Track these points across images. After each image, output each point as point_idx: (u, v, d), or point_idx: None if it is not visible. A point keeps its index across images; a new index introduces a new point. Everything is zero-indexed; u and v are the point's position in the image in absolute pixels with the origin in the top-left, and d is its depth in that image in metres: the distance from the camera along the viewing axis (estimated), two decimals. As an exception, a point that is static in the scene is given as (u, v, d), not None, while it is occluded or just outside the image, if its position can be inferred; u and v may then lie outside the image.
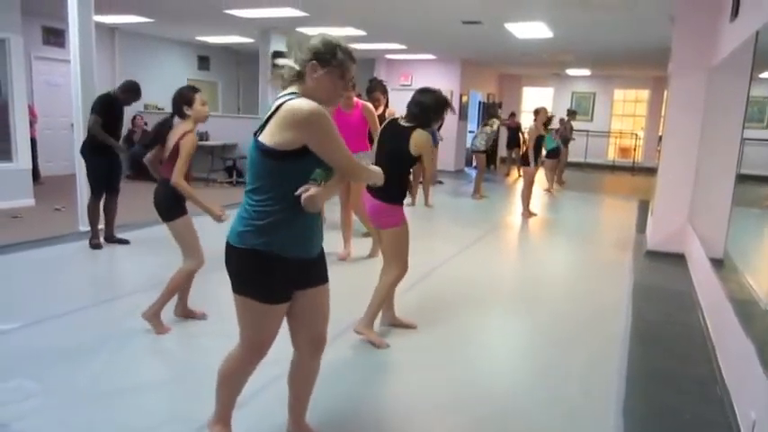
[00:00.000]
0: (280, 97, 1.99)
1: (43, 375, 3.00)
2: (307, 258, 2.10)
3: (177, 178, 3.33)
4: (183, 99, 3.48)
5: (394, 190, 3.40)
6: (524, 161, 8.51)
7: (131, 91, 5.49)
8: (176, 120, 3.55)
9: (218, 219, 3.44)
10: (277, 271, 2.02)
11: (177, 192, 3.38)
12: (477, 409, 2.89)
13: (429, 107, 3.44)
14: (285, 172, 1.95)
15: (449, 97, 3.83)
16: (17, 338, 3.48)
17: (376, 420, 2.73)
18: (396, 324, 3.83)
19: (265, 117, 1.98)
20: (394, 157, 3.41)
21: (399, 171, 3.44)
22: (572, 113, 12.69)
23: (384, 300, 3.60)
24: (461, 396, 3.02)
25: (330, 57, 2.01)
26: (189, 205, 3.48)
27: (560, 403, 2.99)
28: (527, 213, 8.27)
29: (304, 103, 1.92)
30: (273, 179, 1.96)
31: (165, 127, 3.59)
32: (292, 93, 1.99)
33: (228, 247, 2.05)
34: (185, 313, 3.77)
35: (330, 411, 2.73)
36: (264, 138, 1.93)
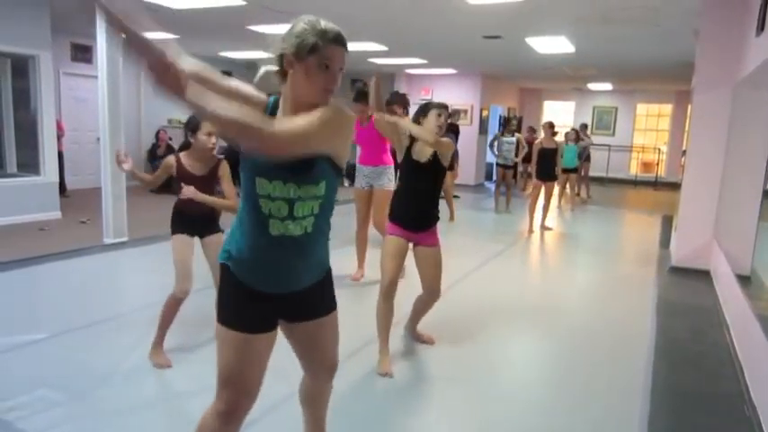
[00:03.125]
0: None
1: (68, 386, 3.03)
2: (272, 293, 1.79)
3: None
4: (188, 125, 3.24)
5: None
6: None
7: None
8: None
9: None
10: (235, 295, 1.78)
11: (174, 210, 3.38)
12: (499, 426, 2.86)
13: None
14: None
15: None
16: (43, 349, 3.53)
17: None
18: (415, 338, 3.83)
19: None
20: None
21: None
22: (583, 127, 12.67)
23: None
24: (482, 414, 2.99)
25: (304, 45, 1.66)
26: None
27: (584, 421, 2.95)
28: (532, 228, 8.21)
29: None
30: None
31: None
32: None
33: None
34: None
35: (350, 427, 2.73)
36: None
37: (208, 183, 3.29)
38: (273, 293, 1.78)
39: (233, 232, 1.80)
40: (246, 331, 1.76)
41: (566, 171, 9.98)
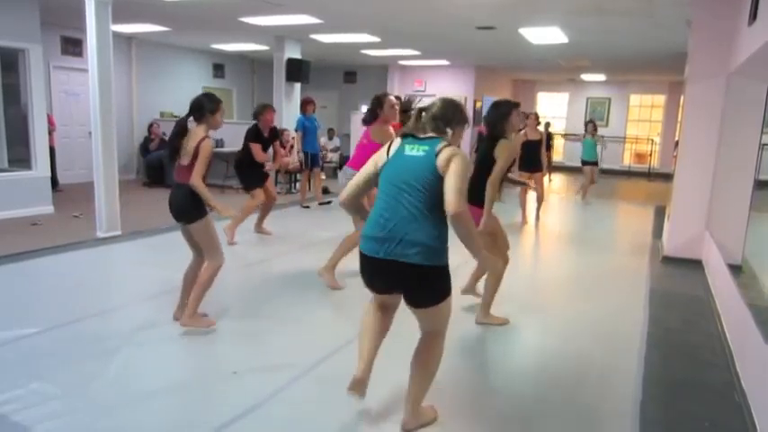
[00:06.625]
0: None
1: (62, 379, 3.04)
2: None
3: (196, 180, 3.43)
4: (210, 106, 3.61)
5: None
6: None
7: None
8: (190, 123, 3.61)
9: (221, 214, 3.64)
10: None
11: (197, 194, 3.47)
12: (493, 413, 2.88)
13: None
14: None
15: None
16: (36, 343, 3.53)
17: (384, 418, 2.73)
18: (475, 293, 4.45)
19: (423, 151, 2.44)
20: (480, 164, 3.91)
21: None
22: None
23: (496, 289, 4.14)
24: (476, 401, 3.01)
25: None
26: None
27: (577, 409, 2.97)
28: (526, 219, 8.23)
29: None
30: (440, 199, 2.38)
31: (181, 129, 3.61)
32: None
33: (419, 267, 2.45)
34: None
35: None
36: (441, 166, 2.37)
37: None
38: None
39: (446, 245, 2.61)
40: None
41: (587, 164, 10.32)
